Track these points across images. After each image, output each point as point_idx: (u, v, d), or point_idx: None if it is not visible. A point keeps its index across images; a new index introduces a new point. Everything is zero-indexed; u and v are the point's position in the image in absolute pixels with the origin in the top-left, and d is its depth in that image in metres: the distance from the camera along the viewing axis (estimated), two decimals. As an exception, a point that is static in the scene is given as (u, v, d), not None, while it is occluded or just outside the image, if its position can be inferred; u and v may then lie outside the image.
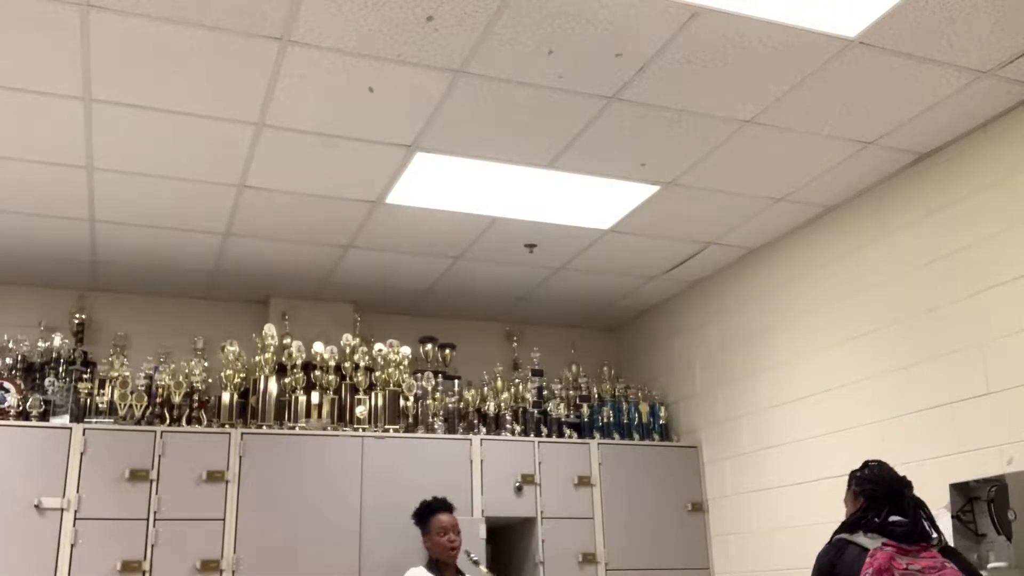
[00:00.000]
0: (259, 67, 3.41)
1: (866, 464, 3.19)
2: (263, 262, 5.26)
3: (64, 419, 4.76)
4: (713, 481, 5.57)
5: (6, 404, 4.71)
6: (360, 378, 5.29)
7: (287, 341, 5.29)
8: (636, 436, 5.74)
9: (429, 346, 5.84)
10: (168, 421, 4.91)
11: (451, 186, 4.41)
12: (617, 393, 6.05)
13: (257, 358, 5.20)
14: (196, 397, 5.04)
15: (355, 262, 5.29)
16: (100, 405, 4.83)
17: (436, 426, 5.35)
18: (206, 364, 5.19)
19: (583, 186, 4.44)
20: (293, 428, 5.07)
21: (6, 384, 4.77)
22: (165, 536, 4.57)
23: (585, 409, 5.76)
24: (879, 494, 3.04)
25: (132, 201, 4.46)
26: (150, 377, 5.03)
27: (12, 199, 4.41)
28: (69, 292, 5.49)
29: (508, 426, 5.50)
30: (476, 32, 3.24)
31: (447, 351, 5.88)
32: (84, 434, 4.63)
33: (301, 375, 5.19)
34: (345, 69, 3.44)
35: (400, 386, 5.33)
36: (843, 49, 3.41)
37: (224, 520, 4.69)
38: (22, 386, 4.83)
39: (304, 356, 5.26)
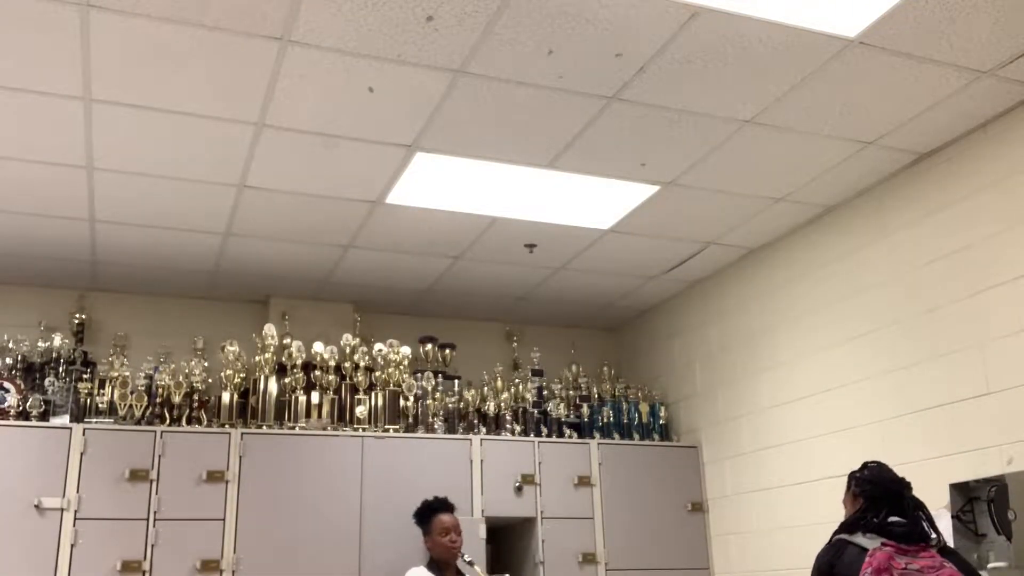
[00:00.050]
0: (259, 67, 3.41)
1: (865, 465, 3.19)
2: (263, 262, 5.26)
3: (64, 419, 4.76)
4: (713, 481, 5.57)
5: (6, 404, 4.71)
6: (360, 378, 5.29)
7: (287, 341, 5.29)
8: (636, 436, 5.74)
9: (429, 346, 5.84)
10: (168, 421, 4.91)
11: (451, 186, 4.41)
12: (617, 393, 6.05)
13: (257, 358, 5.20)
14: (196, 397, 5.04)
15: (355, 262, 5.29)
16: (100, 405, 4.83)
17: (436, 426, 5.35)
18: (206, 364, 5.19)
19: (583, 186, 4.44)
20: (293, 428, 5.07)
21: (6, 384, 4.77)
22: (165, 536, 4.57)
23: (585, 409, 5.76)
24: (879, 495, 3.04)
25: (132, 201, 4.46)
26: (150, 377, 5.03)
27: (12, 199, 4.41)
28: (69, 292, 5.49)
29: (508, 426, 5.50)
30: (476, 32, 3.24)
31: (447, 351, 5.88)
32: (84, 434, 4.63)
33: (301, 375, 5.19)
34: (345, 69, 3.44)
35: (400, 386, 5.33)
36: (843, 49, 3.41)
37: (224, 520, 4.69)
38: (22, 386, 4.83)
39: (304, 356, 5.26)
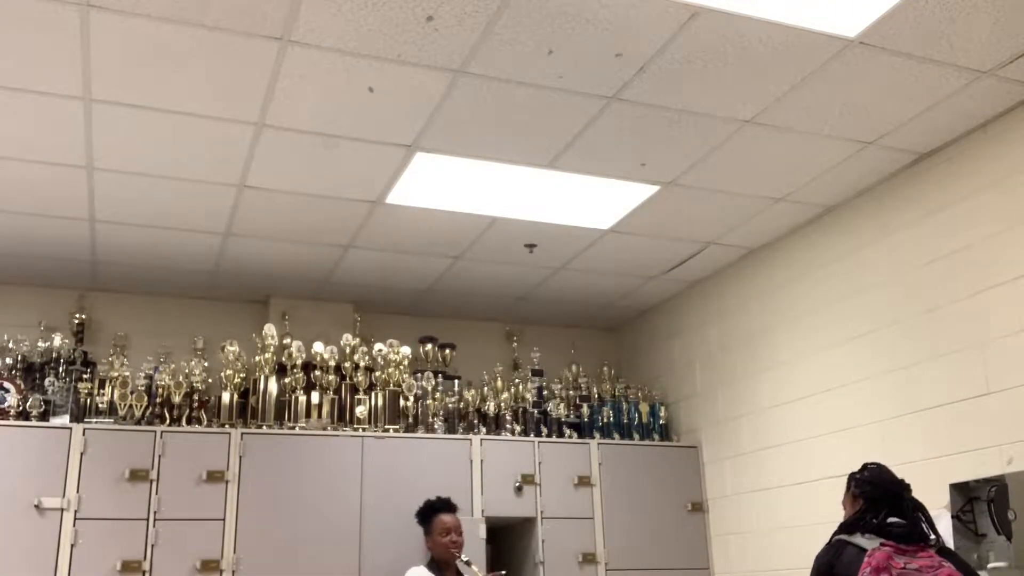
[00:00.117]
0: (259, 67, 3.41)
1: (865, 467, 3.20)
2: (263, 262, 5.26)
3: (64, 419, 4.76)
4: (713, 481, 5.57)
5: (6, 404, 4.71)
6: (360, 378, 5.29)
7: (287, 341, 5.29)
8: (636, 436, 5.74)
9: (429, 346, 5.84)
10: (168, 421, 4.91)
11: (451, 186, 4.41)
12: (617, 393, 6.05)
13: (257, 358, 5.20)
14: (196, 397, 5.04)
15: (355, 262, 5.29)
16: (100, 405, 4.83)
17: (436, 426, 5.35)
18: (206, 364, 5.19)
19: (583, 186, 4.44)
20: (293, 428, 5.07)
21: (6, 384, 4.77)
22: (165, 536, 4.57)
23: (585, 409, 5.76)
24: (878, 496, 3.04)
25: (132, 201, 4.46)
26: (150, 377, 5.03)
27: (12, 199, 4.41)
28: (69, 292, 5.49)
29: (508, 426, 5.49)
30: (476, 32, 3.24)
31: (447, 351, 5.88)
32: (84, 434, 4.63)
33: (301, 375, 5.19)
34: (345, 69, 3.44)
35: (400, 386, 5.33)
36: (843, 49, 3.41)
37: (224, 520, 4.69)
38: (22, 386, 4.83)
39: (304, 356, 5.26)
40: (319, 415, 5.17)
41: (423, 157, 4.12)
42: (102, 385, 4.90)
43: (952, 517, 3.75)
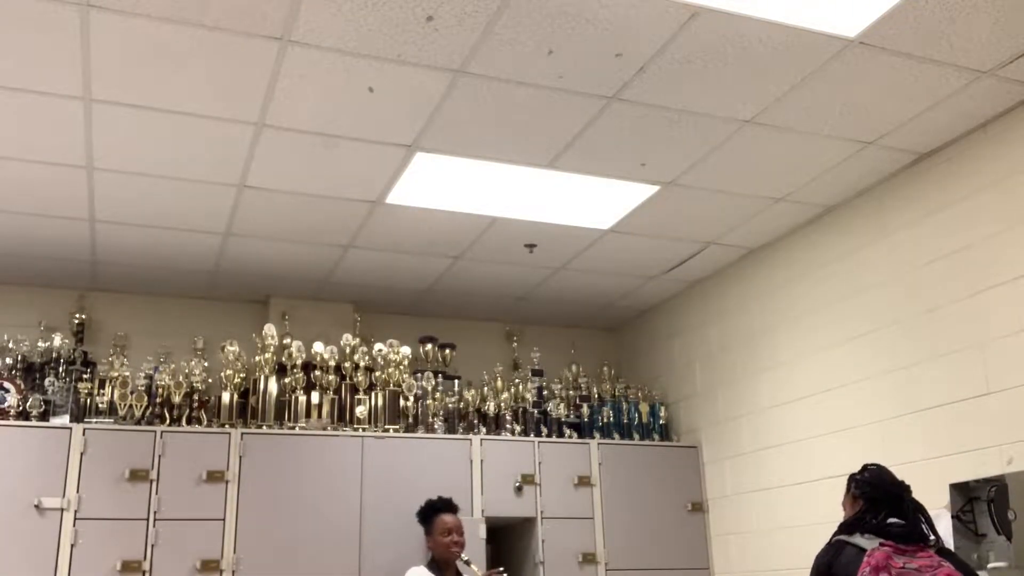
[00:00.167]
0: (259, 67, 3.41)
1: (865, 467, 3.20)
2: (263, 262, 5.26)
3: (64, 419, 4.76)
4: (713, 481, 5.57)
5: (6, 404, 4.71)
6: (360, 378, 5.29)
7: (287, 341, 5.29)
8: (636, 436, 5.74)
9: (429, 346, 5.84)
10: (168, 421, 4.91)
11: (451, 186, 4.41)
12: (617, 393, 6.05)
13: (257, 358, 5.20)
14: (196, 397, 5.04)
15: (355, 262, 5.29)
16: (100, 405, 4.83)
17: (436, 426, 5.35)
18: (206, 364, 5.19)
19: (583, 186, 4.44)
20: (293, 428, 5.07)
21: (6, 384, 4.77)
22: (165, 536, 4.57)
23: (585, 409, 5.76)
24: (878, 497, 3.04)
25: (132, 201, 4.46)
26: (150, 377, 5.03)
27: (12, 199, 4.41)
28: (69, 292, 5.49)
29: (508, 426, 5.49)
30: (476, 32, 3.24)
31: (447, 351, 5.88)
32: (84, 434, 4.63)
33: (301, 375, 5.19)
34: (345, 69, 3.44)
35: (400, 386, 5.33)
36: (843, 49, 3.41)
37: (224, 520, 4.69)
38: (22, 386, 4.83)
39: (304, 356, 5.26)
40: (319, 415, 5.17)
41: (423, 157, 4.12)
42: (102, 385, 4.90)
43: (952, 517, 3.75)
